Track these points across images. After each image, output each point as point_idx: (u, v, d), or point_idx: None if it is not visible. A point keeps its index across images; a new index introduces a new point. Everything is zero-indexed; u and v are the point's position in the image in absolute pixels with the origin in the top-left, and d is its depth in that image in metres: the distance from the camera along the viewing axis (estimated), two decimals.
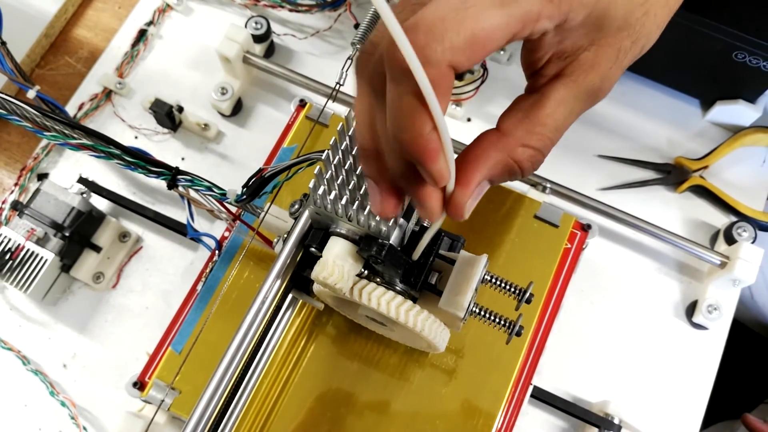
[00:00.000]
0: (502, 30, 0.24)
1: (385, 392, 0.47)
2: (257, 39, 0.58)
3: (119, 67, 0.60)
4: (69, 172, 0.57)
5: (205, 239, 0.51)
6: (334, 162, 0.35)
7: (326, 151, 0.35)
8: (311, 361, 0.47)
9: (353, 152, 0.35)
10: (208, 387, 0.38)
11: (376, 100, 0.27)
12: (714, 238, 0.58)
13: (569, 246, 0.51)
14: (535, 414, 0.52)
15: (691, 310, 0.55)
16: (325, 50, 0.62)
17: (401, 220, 0.35)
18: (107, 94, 0.59)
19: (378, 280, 0.38)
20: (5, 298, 0.54)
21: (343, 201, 0.34)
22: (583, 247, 0.52)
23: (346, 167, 0.35)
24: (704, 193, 0.58)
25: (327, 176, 0.35)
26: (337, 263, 0.36)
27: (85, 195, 0.53)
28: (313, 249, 0.39)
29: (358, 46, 0.52)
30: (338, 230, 0.37)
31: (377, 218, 0.34)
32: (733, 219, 0.57)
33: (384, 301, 0.37)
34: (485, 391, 0.47)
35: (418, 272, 0.38)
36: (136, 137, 0.58)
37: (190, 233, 0.51)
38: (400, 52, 0.22)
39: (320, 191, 0.35)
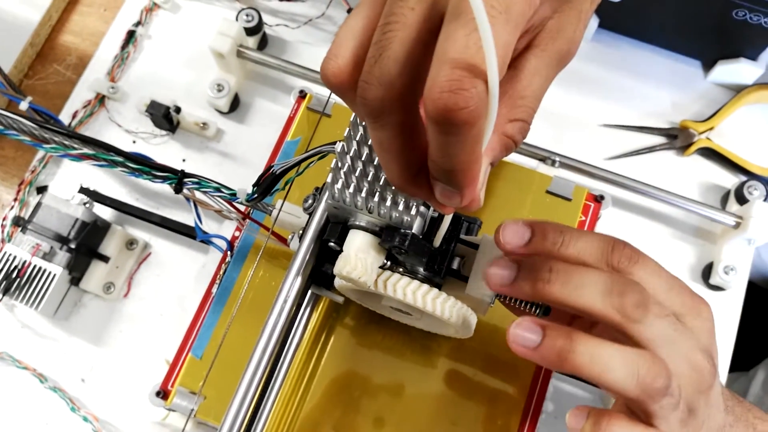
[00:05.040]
0: (512, 45, 0.24)
1: (411, 379, 0.46)
2: (249, 32, 0.57)
3: (110, 72, 0.58)
4: (69, 182, 0.56)
5: (215, 240, 0.50)
6: (350, 153, 0.34)
7: (340, 143, 0.34)
8: (332, 355, 0.47)
9: (368, 142, 0.34)
10: (238, 392, 0.37)
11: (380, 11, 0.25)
12: (725, 199, 0.57)
13: (584, 219, 0.51)
14: (560, 387, 0.52)
15: (707, 272, 0.55)
16: (320, 38, 0.60)
17: (422, 208, 0.35)
18: (101, 99, 0.58)
19: (401, 270, 0.38)
20: (15, 317, 0.53)
21: (363, 193, 0.34)
22: (597, 218, 0.52)
23: (363, 158, 0.34)
24: (712, 154, 0.58)
25: (344, 169, 0.34)
26: (359, 257, 0.35)
27: (87, 205, 0.52)
28: (332, 244, 0.38)
29: None
30: (357, 223, 0.36)
31: (399, 208, 0.34)
32: (743, 178, 0.57)
33: (410, 291, 0.36)
34: (511, 371, 0.47)
35: (441, 259, 0.37)
36: (134, 141, 0.57)
37: (200, 236, 0.50)
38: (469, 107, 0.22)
39: (339, 185, 0.34)
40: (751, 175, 0.57)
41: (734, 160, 0.57)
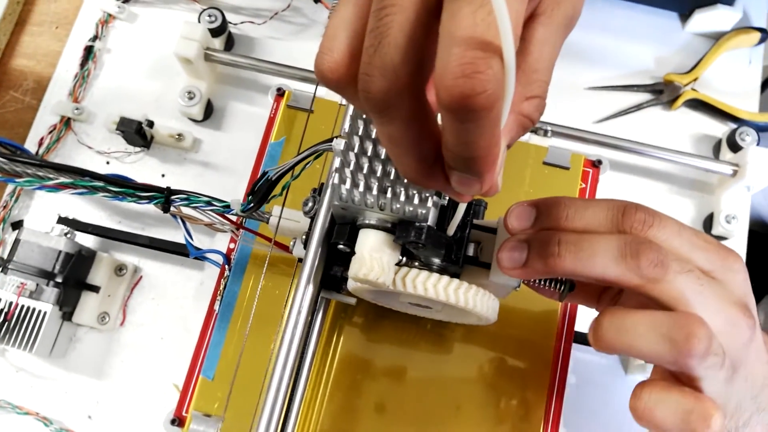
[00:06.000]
0: (523, 15, 0.23)
1: (430, 369, 0.45)
2: (214, 33, 0.54)
3: (72, 92, 0.55)
4: (45, 214, 0.53)
5: (210, 256, 0.48)
6: (354, 150, 0.32)
7: (341, 140, 0.32)
8: (344, 355, 0.45)
9: (373, 135, 0.32)
10: (264, 410, 0.35)
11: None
12: (717, 148, 0.57)
13: (584, 186, 0.50)
14: (579, 357, 0.51)
15: (708, 223, 0.55)
16: (288, 31, 0.58)
17: (435, 198, 0.33)
18: (66, 122, 0.54)
19: (417, 264, 0.36)
20: (9, 362, 0.50)
21: (374, 191, 0.32)
22: (597, 183, 0.51)
23: (368, 154, 0.32)
24: (699, 105, 0.58)
25: (350, 167, 0.32)
26: (374, 257, 0.33)
27: (68, 235, 0.49)
28: (341, 246, 0.36)
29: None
30: (367, 222, 0.34)
31: (414, 202, 0.32)
32: (733, 126, 0.57)
33: (431, 285, 0.34)
34: (531, 349, 0.46)
35: (457, 247, 0.36)
36: (108, 162, 0.54)
37: (193, 253, 0.47)
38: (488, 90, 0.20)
39: (346, 185, 0.32)
40: (740, 121, 0.57)
41: (722, 108, 0.57)
